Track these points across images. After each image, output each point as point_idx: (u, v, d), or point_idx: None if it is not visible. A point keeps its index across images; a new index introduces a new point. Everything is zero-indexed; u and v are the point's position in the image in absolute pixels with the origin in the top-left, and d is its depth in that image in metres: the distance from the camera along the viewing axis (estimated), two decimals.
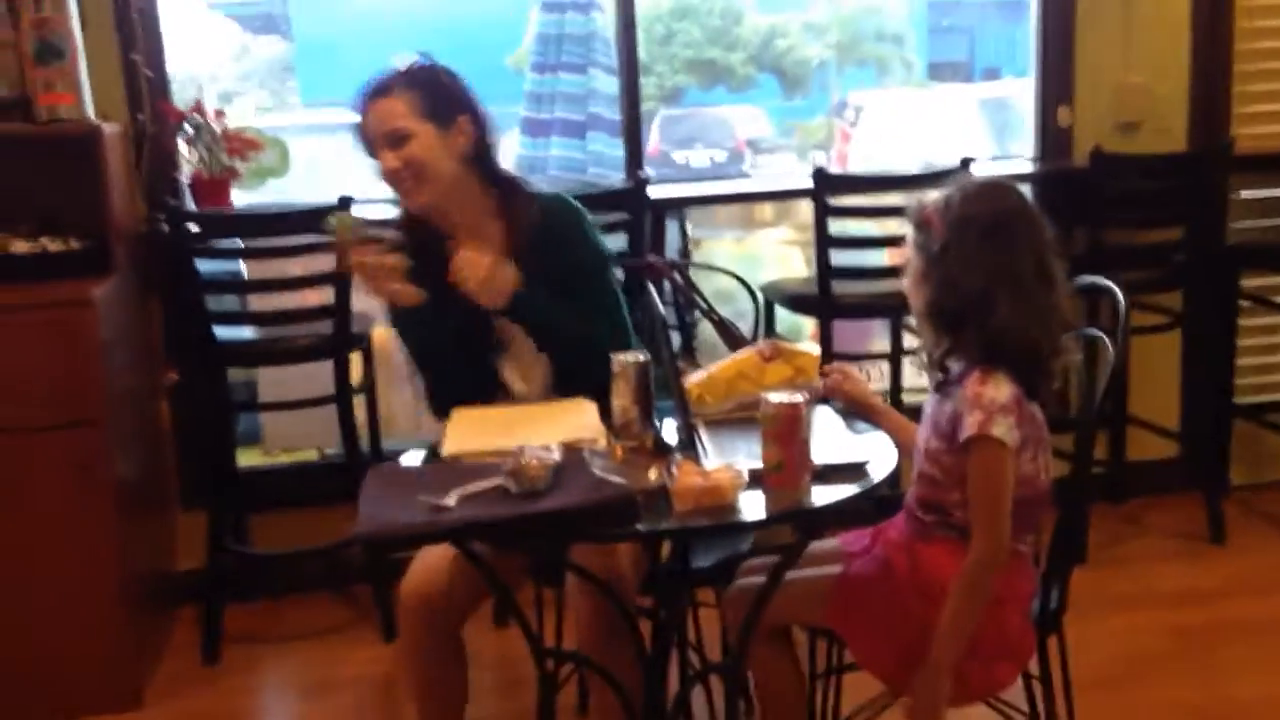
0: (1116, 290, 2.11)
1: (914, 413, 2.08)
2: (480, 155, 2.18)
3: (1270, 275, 3.70)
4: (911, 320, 2.07)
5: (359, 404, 3.25)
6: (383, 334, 3.46)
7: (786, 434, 1.74)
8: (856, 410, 2.13)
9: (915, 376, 3.63)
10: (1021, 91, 3.99)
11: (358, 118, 2.15)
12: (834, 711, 2.22)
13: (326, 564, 3.36)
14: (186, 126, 3.17)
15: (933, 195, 1.91)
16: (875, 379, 3.84)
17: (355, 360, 3.22)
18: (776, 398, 1.76)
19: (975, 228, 1.84)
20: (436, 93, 2.15)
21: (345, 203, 2.81)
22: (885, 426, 2.09)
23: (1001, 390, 1.82)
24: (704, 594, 2.49)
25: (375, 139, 2.14)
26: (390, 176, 2.14)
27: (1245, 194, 3.71)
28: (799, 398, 1.76)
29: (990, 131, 6.65)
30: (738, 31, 16.61)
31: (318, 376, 3.09)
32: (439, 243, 2.14)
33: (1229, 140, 3.48)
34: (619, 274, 2.39)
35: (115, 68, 3.13)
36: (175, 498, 3.36)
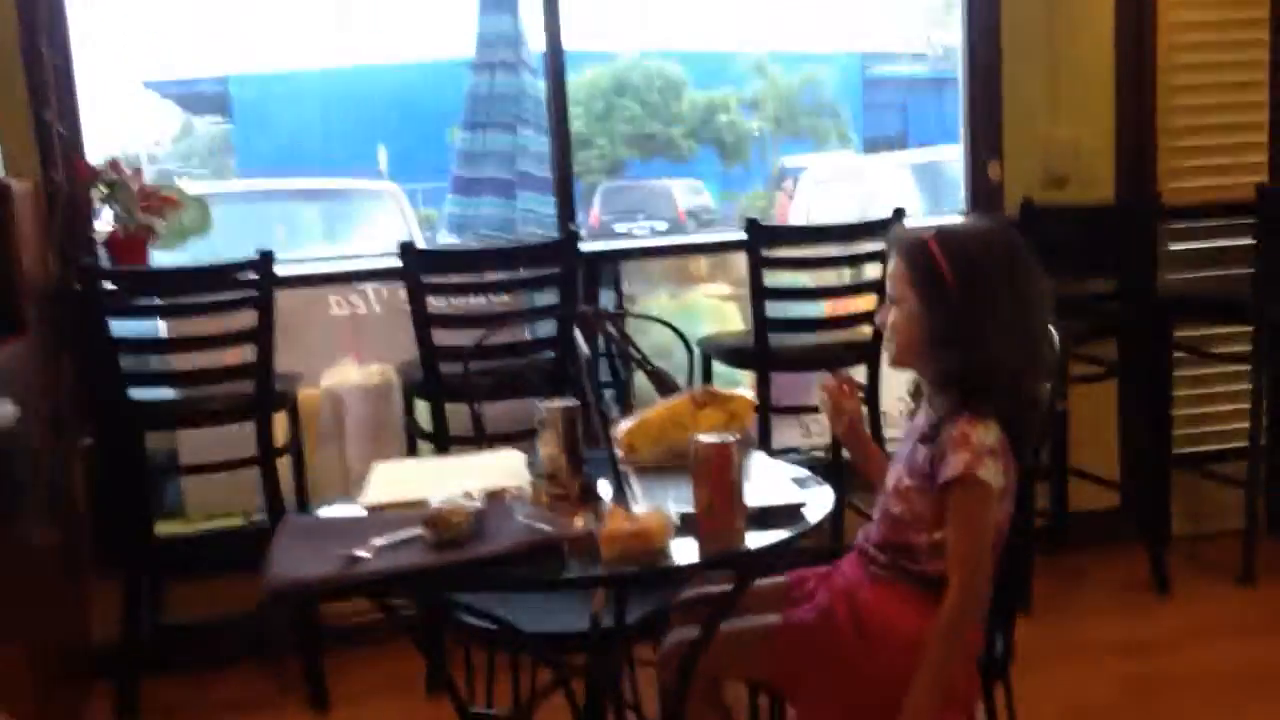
0: (1054, 335, 2.08)
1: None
2: None
3: (1202, 326, 3.73)
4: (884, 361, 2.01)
5: (284, 466, 3.14)
6: (309, 394, 3.38)
7: (717, 475, 1.68)
8: (843, 429, 2.05)
9: None
10: (953, 156, 4.02)
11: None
12: None
13: (252, 634, 3.23)
14: (101, 185, 3.09)
15: (922, 229, 1.86)
16: (815, 432, 3.80)
17: (280, 421, 3.12)
18: (707, 438, 1.70)
19: (989, 266, 1.80)
20: None
21: None
22: (863, 453, 2.04)
23: (991, 434, 1.77)
24: (643, 652, 2.42)
25: None
26: None
27: (1174, 246, 3.74)
28: (730, 438, 1.70)
29: (924, 193, 6.74)
30: (677, 106, 16.87)
31: (240, 438, 2.99)
32: None
33: (1156, 193, 3.52)
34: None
35: (27, 125, 3.05)
36: (89, 567, 3.21)
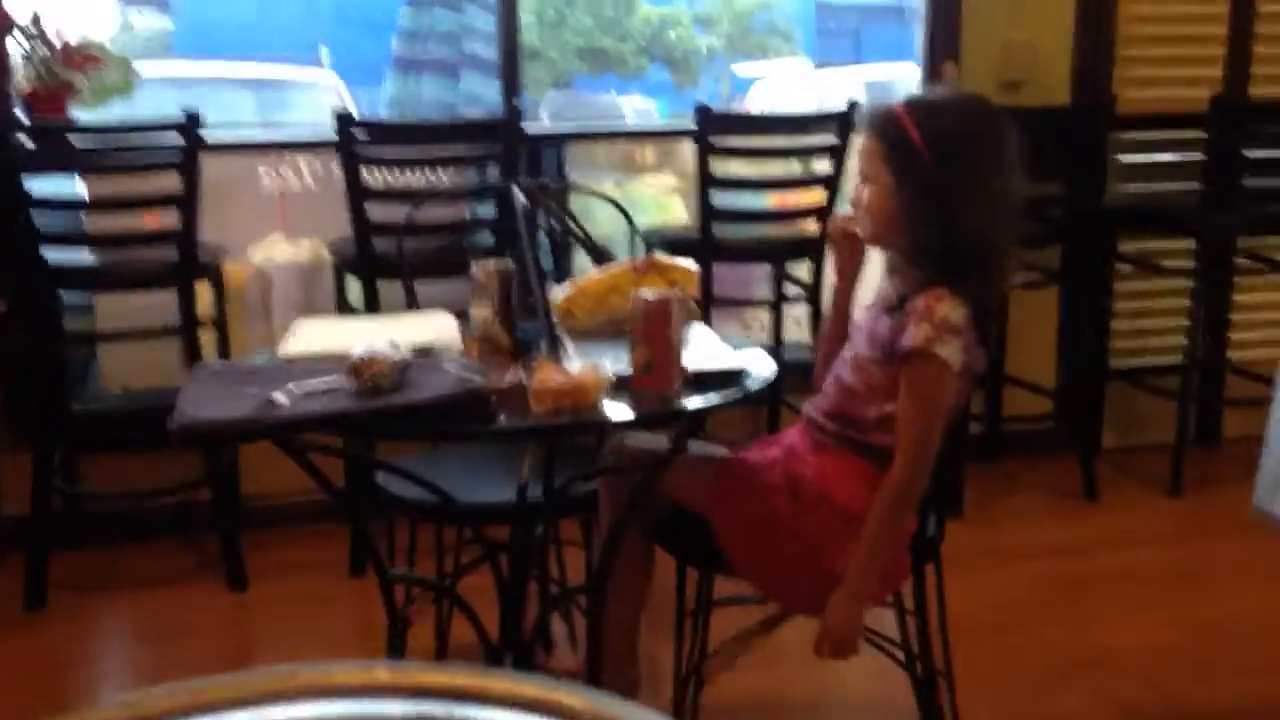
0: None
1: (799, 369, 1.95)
2: None
3: (1147, 239, 3.72)
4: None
5: (208, 340, 3.03)
6: (236, 268, 3.26)
7: (656, 331, 1.62)
8: (841, 269, 1.95)
9: (796, 326, 3.56)
10: (907, 73, 3.94)
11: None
12: (701, 647, 2.10)
13: (170, 510, 3.14)
14: (20, 36, 2.91)
15: (895, 101, 1.78)
16: (756, 328, 3.75)
17: (204, 293, 3.01)
18: (646, 293, 1.64)
19: (963, 134, 1.74)
20: None
21: None
22: (842, 314, 1.96)
23: (956, 312, 1.71)
24: (568, 530, 2.37)
25: None
26: None
27: (1125, 158, 3.72)
28: (671, 294, 1.64)
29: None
30: (629, 22, 16.56)
31: (161, 309, 2.87)
32: None
33: (1111, 97, 3.47)
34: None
35: None
36: (1, 437, 3.10)
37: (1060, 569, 3.04)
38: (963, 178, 1.72)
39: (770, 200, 3.43)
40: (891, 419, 1.75)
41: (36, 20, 2.95)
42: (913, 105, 1.76)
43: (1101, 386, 3.77)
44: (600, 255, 2.30)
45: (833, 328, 1.97)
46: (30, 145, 2.83)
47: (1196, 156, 3.57)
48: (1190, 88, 3.62)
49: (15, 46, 2.96)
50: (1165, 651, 2.60)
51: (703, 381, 1.70)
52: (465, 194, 3.24)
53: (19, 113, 2.95)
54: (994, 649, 2.57)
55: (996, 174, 1.75)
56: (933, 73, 3.66)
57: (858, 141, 1.86)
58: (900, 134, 1.74)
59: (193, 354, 2.88)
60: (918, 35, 3.71)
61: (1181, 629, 2.71)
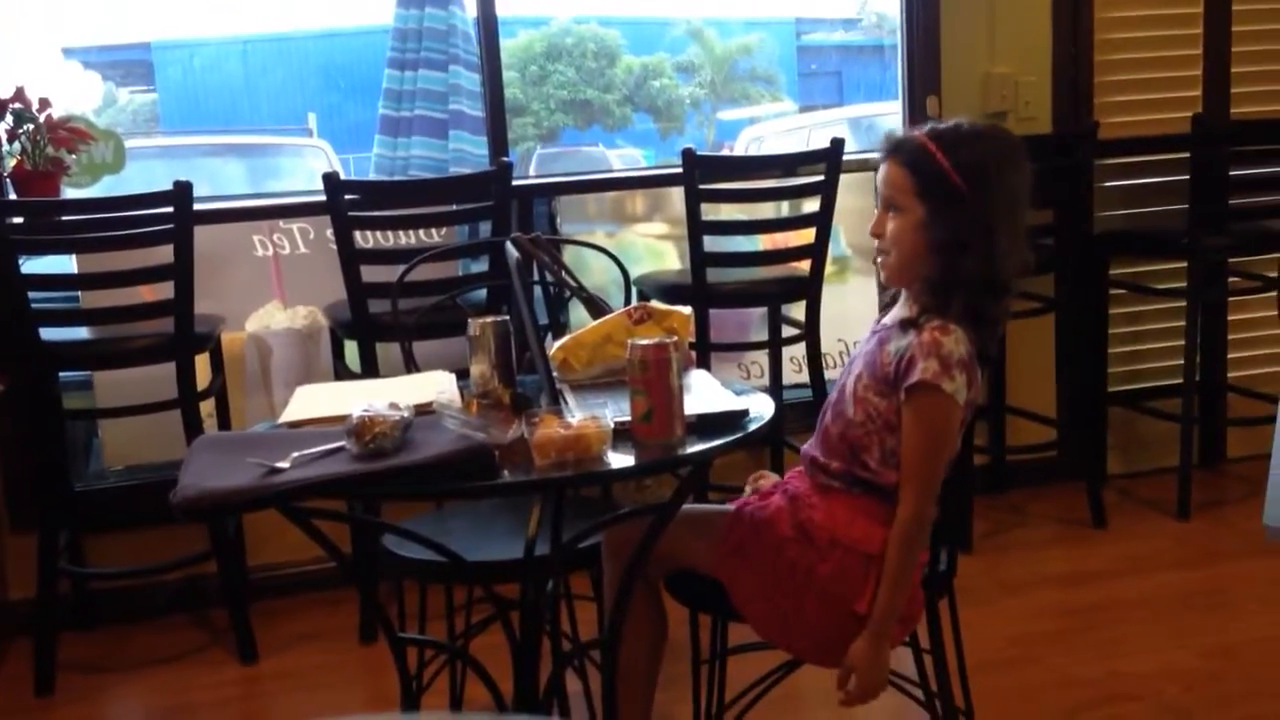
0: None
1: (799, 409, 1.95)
2: None
3: (1137, 262, 3.73)
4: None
5: (208, 411, 3.03)
6: (233, 337, 3.26)
7: (654, 379, 1.62)
8: None
9: (793, 369, 3.56)
10: (889, 110, 3.98)
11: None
12: (719, 698, 2.08)
13: (177, 586, 3.12)
14: (8, 116, 2.93)
15: (916, 131, 1.77)
16: (755, 372, 3.75)
17: (203, 365, 3.01)
18: (643, 340, 1.64)
19: (991, 165, 1.72)
20: None
21: None
22: None
23: (960, 346, 1.71)
24: (579, 585, 2.36)
25: None
26: None
27: (1110, 183, 3.74)
28: (668, 339, 1.64)
29: (860, 146, 6.71)
30: (612, 73, 16.73)
31: (161, 383, 2.87)
32: None
33: (1093, 123, 3.50)
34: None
35: None
36: (4, 520, 3.08)
37: (1073, 599, 3.02)
38: (996, 206, 1.71)
39: (762, 242, 3.44)
40: (895, 454, 1.75)
41: (21, 95, 2.97)
42: (939, 135, 1.74)
43: (1103, 412, 3.76)
44: (595, 306, 2.30)
45: None
46: (22, 224, 2.85)
47: (1181, 177, 3.59)
48: (1171, 110, 3.66)
49: (2, 126, 2.98)
50: (1185, 678, 2.57)
51: (705, 426, 1.69)
52: (458, 251, 3.26)
53: (10, 194, 2.97)
54: (1012, 683, 2.55)
55: (1022, 202, 1.75)
56: (915, 109, 3.70)
57: (876, 176, 1.82)
58: (932, 164, 1.72)
59: (193, 426, 2.87)
60: (898, 73, 3.75)
61: (1200, 655, 2.68)
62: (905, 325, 1.75)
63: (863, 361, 1.81)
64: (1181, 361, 3.52)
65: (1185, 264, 3.47)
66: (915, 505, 1.72)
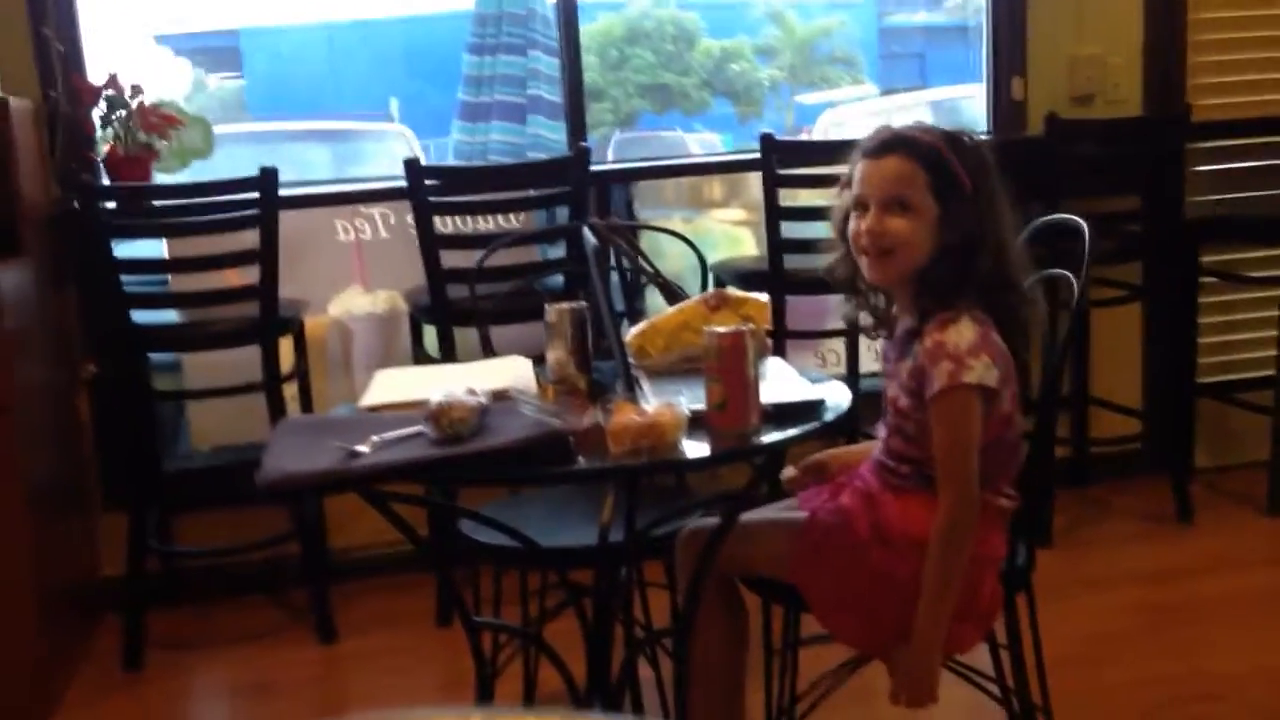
0: (1085, 232, 1.98)
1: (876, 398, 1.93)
2: None
3: (1229, 251, 3.63)
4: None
5: (292, 397, 3.09)
6: (315, 321, 3.31)
7: (730, 367, 1.61)
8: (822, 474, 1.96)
9: (871, 358, 3.51)
10: (972, 93, 3.91)
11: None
12: (791, 688, 2.07)
13: (260, 566, 3.19)
14: (101, 102, 3.01)
15: (919, 129, 1.76)
16: (832, 362, 3.72)
17: (287, 348, 3.06)
18: (720, 328, 1.63)
19: (988, 165, 1.74)
20: None
21: None
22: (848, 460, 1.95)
23: (966, 332, 1.68)
24: (652, 572, 2.36)
25: None
26: None
27: (1202, 168, 3.64)
28: (744, 327, 1.63)
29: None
30: (690, 56, 16.67)
31: (246, 366, 2.93)
32: None
33: (1185, 106, 3.41)
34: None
35: (25, 42, 2.97)
36: (97, 499, 3.17)
37: (1157, 596, 2.95)
38: (999, 206, 1.74)
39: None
40: None
41: (114, 82, 3.04)
42: (947, 137, 1.75)
43: (1191, 404, 3.67)
44: (672, 292, 2.30)
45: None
46: (114, 209, 2.92)
47: (1276, 162, 3.49)
48: (1268, 91, 3.55)
49: (96, 112, 3.06)
50: (1273, 679, 2.51)
51: (780, 415, 1.68)
52: (535, 237, 3.27)
53: (104, 178, 3.05)
54: (1092, 682, 2.50)
55: (1005, 200, 1.76)
56: (1000, 91, 3.63)
57: (854, 171, 1.80)
58: (944, 162, 1.71)
59: (277, 409, 2.93)
60: (983, 55, 3.68)
61: None
62: (910, 337, 1.75)
63: (895, 385, 1.79)
64: (1274, 353, 3.42)
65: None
66: (951, 509, 1.69)
